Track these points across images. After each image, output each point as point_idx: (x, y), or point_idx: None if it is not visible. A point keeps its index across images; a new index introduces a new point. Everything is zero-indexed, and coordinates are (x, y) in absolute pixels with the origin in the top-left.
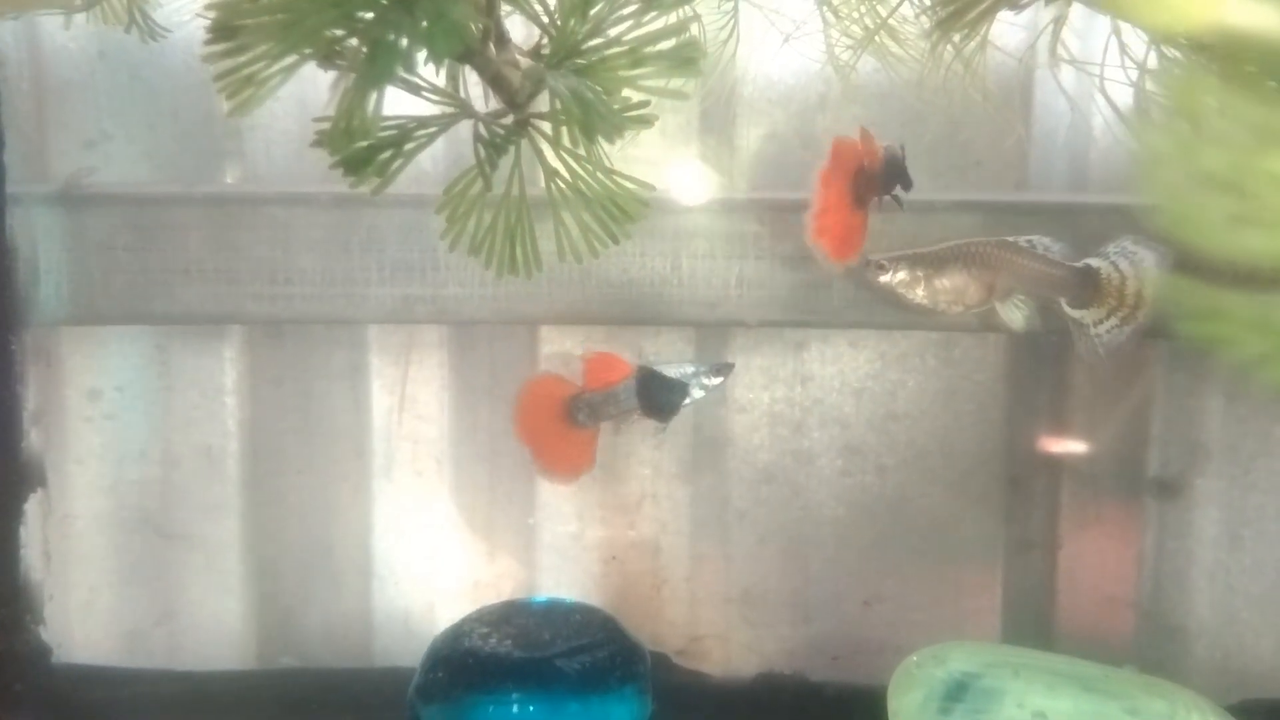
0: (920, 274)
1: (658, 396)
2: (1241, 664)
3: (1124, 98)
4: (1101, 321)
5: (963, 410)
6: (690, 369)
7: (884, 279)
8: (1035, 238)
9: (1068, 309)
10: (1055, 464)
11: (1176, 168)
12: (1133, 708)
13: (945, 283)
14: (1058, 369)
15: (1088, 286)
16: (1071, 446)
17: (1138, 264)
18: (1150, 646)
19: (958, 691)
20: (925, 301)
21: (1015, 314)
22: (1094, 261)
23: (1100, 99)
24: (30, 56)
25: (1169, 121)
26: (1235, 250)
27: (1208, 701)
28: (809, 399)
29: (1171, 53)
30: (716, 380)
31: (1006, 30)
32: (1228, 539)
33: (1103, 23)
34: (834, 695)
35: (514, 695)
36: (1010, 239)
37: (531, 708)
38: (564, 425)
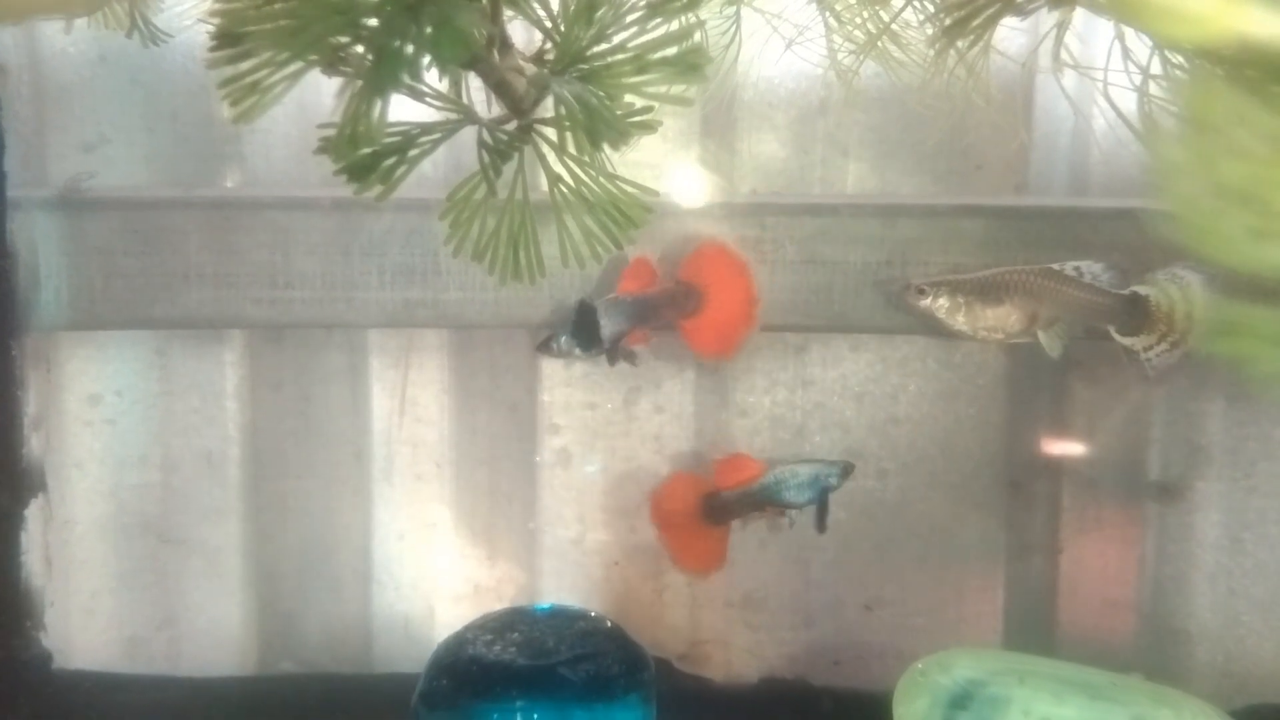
0: (961, 300)
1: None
2: (1244, 668)
3: (1126, 102)
4: (1152, 347)
5: (964, 414)
6: (823, 469)
7: (924, 304)
8: (1084, 264)
9: (1117, 336)
10: (1056, 468)
11: (1193, 180)
12: (1139, 715)
13: (987, 310)
14: (1058, 373)
15: (1136, 314)
16: (1072, 450)
17: (1186, 289)
18: (1152, 650)
19: (963, 699)
20: (965, 328)
21: (1056, 343)
22: (1142, 289)
23: (1102, 103)
24: (30, 60)
25: (1185, 132)
26: (1255, 264)
27: (1215, 709)
28: (810, 403)
29: (1175, 57)
30: (843, 481)
31: (1008, 34)
32: (1229, 542)
33: (1105, 27)
34: (836, 701)
35: (518, 703)
36: (1055, 266)
37: (536, 716)
38: (700, 523)
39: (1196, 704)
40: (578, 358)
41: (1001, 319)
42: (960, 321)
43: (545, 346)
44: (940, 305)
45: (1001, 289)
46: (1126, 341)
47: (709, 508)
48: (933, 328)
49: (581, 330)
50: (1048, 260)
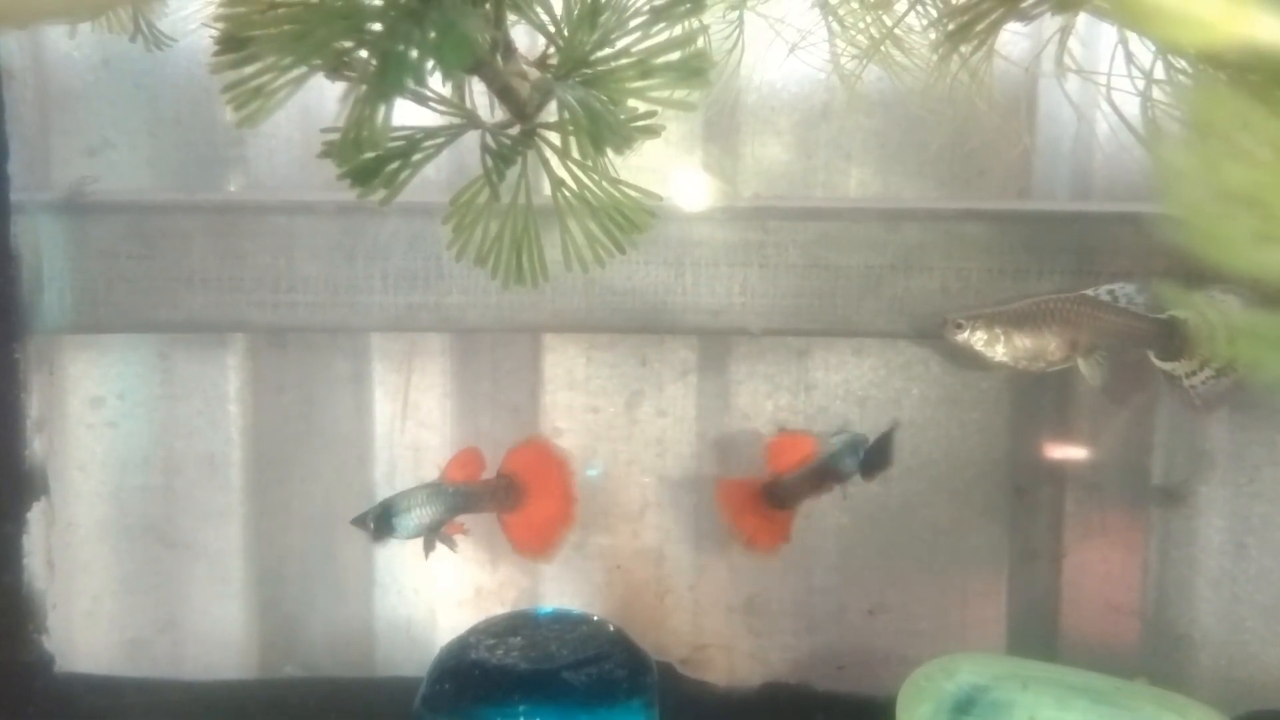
0: (999, 332)
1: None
2: (1247, 673)
3: (1129, 107)
4: (1195, 373)
5: (967, 419)
6: (858, 434)
7: (961, 337)
8: (1118, 286)
9: (1157, 362)
10: (1060, 472)
11: (1197, 184)
12: None
13: (1025, 340)
14: (1062, 378)
15: (1175, 338)
16: (1076, 455)
17: (1225, 311)
18: (1155, 656)
19: (967, 705)
20: (1005, 360)
21: (1097, 371)
22: (1180, 312)
23: (1105, 108)
24: (34, 65)
25: (1189, 137)
26: (1259, 268)
27: (1219, 715)
28: (813, 407)
29: (1178, 62)
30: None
31: (1012, 39)
32: (1233, 547)
33: (1108, 31)
34: (839, 706)
35: (521, 707)
36: (1090, 291)
37: None
38: (764, 509)
39: (1201, 709)
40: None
41: (1040, 348)
42: (999, 353)
43: (360, 522)
44: (978, 338)
45: (1038, 318)
46: (1167, 367)
47: (771, 495)
48: (974, 361)
49: (383, 523)
50: (1051, 263)
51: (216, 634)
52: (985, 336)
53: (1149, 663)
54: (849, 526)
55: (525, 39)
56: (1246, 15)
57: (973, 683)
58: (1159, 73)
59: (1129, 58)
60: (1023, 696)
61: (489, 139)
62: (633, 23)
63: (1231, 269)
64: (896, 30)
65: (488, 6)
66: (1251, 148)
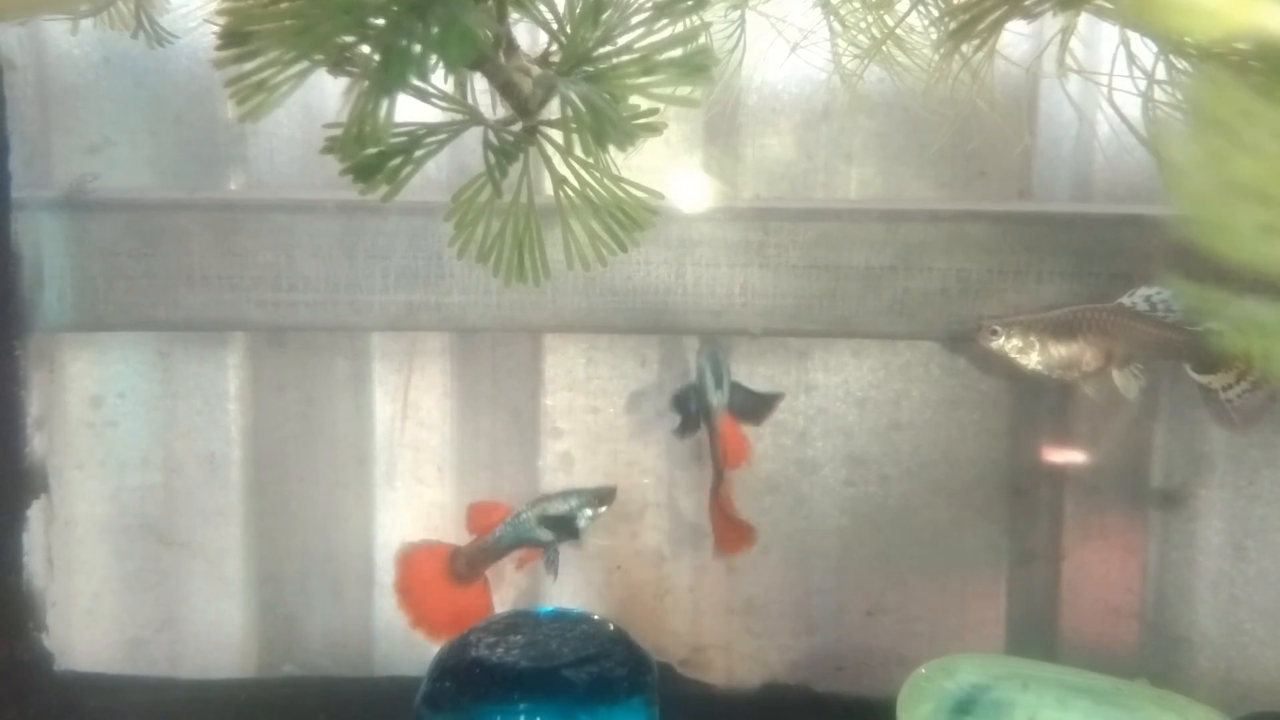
0: (1034, 340)
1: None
2: (1246, 676)
3: (1131, 108)
4: (1231, 386)
5: (966, 420)
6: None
7: (995, 344)
8: (1154, 291)
9: (1193, 373)
10: (1059, 474)
11: (1204, 177)
12: None
13: (1061, 350)
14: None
15: (1212, 350)
16: (1075, 457)
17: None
18: (1154, 658)
19: (967, 704)
20: (1040, 368)
21: (1132, 383)
22: (1217, 323)
23: (1106, 109)
24: (35, 62)
25: (1195, 129)
26: (1266, 261)
27: (1220, 716)
28: (812, 408)
29: (1180, 62)
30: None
31: (1013, 40)
32: (1232, 550)
33: (1110, 32)
34: (839, 707)
35: (521, 705)
36: (1126, 298)
37: (539, 718)
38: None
39: (1201, 710)
40: None
41: (1075, 358)
42: (1034, 361)
43: None
44: (1012, 345)
45: (1074, 327)
46: (1203, 379)
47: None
48: (1008, 369)
49: None
50: (1051, 264)
51: (215, 633)
52: (1020, 344)
53: (1148, 665)
54: (848, 528)
55: (527, 36)
56: (1252, 5)
57: (973, 682)
58: (1160, 73)
59: (1130, 59)
60: (1023, 696)
61: (491, 136)
62: (635, 19)
63: (1237, 262)
64: (898, 30)
65: (490, 2)
66: (1258, 140)
